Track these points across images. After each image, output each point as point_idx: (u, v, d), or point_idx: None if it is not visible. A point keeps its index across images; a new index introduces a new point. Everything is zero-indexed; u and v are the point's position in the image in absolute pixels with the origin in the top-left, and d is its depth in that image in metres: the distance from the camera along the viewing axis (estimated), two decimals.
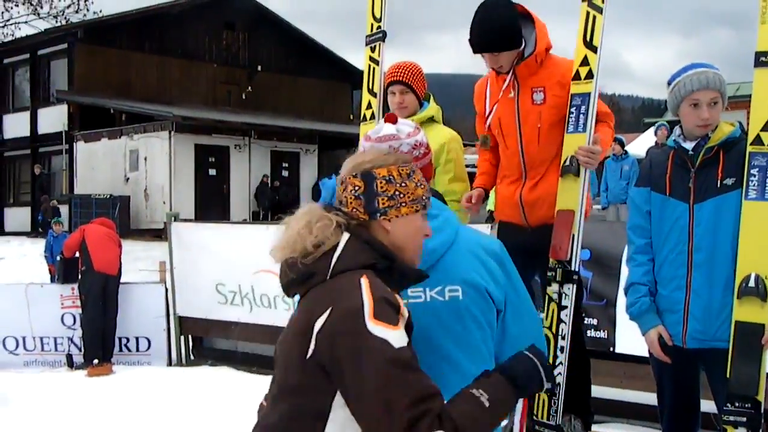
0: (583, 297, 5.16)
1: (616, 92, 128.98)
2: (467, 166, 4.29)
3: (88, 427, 5.98)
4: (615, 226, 6.80)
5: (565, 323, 3.44)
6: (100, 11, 30.25)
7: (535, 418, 3.49)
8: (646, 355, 3.26)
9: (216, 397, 6.48)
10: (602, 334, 5.42)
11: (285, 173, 23.93)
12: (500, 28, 3.48)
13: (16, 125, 25.91)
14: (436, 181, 3.85)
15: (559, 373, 3.44)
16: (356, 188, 1.96)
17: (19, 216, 25.21)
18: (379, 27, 4.53)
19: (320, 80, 29.05)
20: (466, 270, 2.17)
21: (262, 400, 2.05)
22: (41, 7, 31.49)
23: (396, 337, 1.73)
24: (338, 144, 24.01)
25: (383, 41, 4.52)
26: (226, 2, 26.00)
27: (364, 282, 1.80)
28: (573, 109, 3.52)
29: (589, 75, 3.50)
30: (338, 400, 1.76)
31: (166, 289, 8.63)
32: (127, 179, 21.90)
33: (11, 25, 31.85)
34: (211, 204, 21.46)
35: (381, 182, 1.95)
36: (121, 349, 8.71)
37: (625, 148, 13.32)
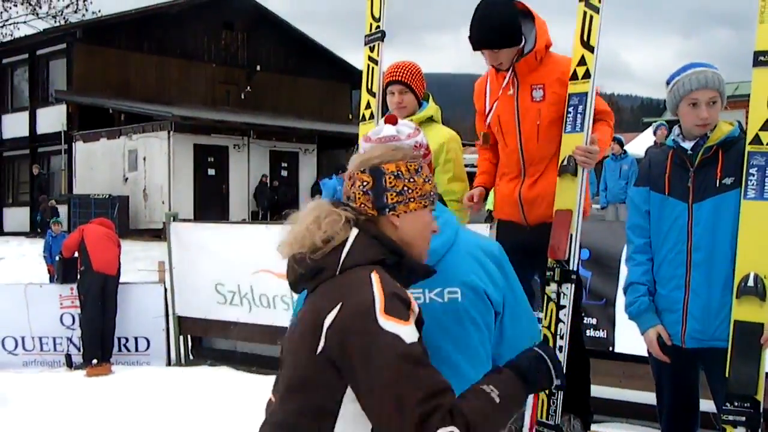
0: (582, 296, 5.17)
1: (615, 92, 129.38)
2: (467, 165, 4.29)
3: (88, 427, 5.97)
4: (614, 225, 6.80)
5: (564, 323, 3.44)
6: (99, 11, 30.28)
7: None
8: (646, 354, 3.26)
9: (215, 397, 6.48)
10: (601, 334, 5.42)
11: (284, 173, 23.93)
12: (500, 25, 3.48)
13: (15, 125, 25.91)
14: (436, 181, 3.84)
15: None
16: (365, 184, 1.95)
17: (18, 216, 25.20)
18: (378, 27, 4.52)
19: (319, 80, 29.04)
20: (466, 272, 2.17)
21: (270, 397, 2.02)
22: (40, 7, 31.53)
23: (407, 332, 1.72)
24: (337, 144, 24.05)
25: (382, 41, 4.51)
26: (225, 2, 25.98)
27: (375, 277, 1.79)
28: (570, 109, 3.52)
29: (587, 75, 3.49)
30: (348, 395, 1.75)
31: (165, 289, 8.63)
32: (126, 179, 21.89)
33: (10, 25, 31.88)
34: (210, 204, 21.45)
35: (389, 178, 1.95)
36: (120, 349, 8.71)
37: (624, 147, 13.30)
